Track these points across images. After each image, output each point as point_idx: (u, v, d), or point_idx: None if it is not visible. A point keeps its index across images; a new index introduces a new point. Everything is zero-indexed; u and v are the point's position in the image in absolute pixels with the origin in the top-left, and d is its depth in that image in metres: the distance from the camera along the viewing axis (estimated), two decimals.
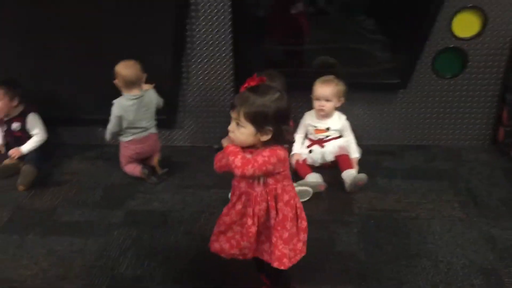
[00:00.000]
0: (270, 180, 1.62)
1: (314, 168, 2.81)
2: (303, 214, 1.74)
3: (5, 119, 2.87)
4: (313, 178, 2.68)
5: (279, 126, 1.56)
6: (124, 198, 2.65)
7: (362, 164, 2.84)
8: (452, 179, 2.75)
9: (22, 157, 2.86)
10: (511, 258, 2.15)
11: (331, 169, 2.82)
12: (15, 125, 2.88)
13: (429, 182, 2.73)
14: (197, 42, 2.85)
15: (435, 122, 3.05)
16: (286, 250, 1.67)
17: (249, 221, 1.67)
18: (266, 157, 1.55)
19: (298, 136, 2.88)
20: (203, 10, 2.75)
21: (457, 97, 2.96)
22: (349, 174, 2.66)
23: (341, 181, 2.69)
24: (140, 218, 2.48)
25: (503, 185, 2.69)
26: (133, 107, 2.71)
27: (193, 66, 2.91)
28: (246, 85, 1.58)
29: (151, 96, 2.80)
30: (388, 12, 2.95)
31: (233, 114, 1.56)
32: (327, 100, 2.76)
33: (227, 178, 1.76)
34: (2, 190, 2.73)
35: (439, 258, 2.17)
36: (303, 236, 1.73)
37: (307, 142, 2.89)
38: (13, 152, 2.83)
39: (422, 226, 2.38)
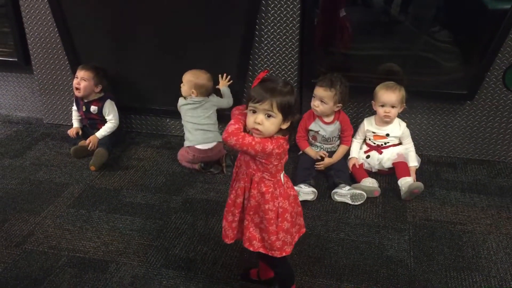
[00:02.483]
0: (253, 165, 1.68)
1: (370, 174, 2.81)
2: (286, 216, 1.73)
3: (85, 100, 3.10)
4: (369, 182, 2.69)
5: (295, 114, 1.66)
6: (184, 186, 2.78)
7: (421, 174, 2.81)
8: None
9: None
10: None
11: (388, 176, 2.82)
12: (93, 108, 3.11)
13: (490, 197, 2.66)
14: (265, 42, 2.93)
15: (502, 138, 2.95)
16: (257, 233, 1.74)
17: (232, 195, 1.76)
18: (253, 141, 1.60)
19: (356, 141, 2.89)
20: (273, 11, 2.83)
21: None
22: (406, 182, 2.64)
23: (397, 189, 2.68)
24: (197, 205, 2.61)
25: None
26: (186, 107, 2.91)
27: (259, 65, 3.00)
28: (258, 78, 1.62)
29: (212, 101, 2.96)
30: (462, 23, 2.89)
31: (264, 106, 1.58)
32: (393, 107, 2.75)
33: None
34: (76, 168, 2.96)
35: (492, 274, 2.12)
36: (283, 236, 1.73)
37: (365, 148, 2.90)
38: (91, 140, 3.04)
39: (478, 240, 2.32)
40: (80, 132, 3.18)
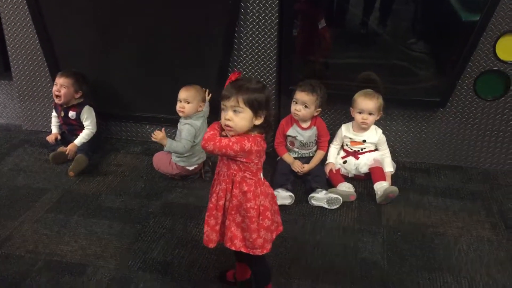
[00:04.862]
0: (234, 166, 1.72)
1: (347, 179, 2.87)
2: (267, 214, 1.77)
3: (64, 106, 3.11)
4: (345, 187, 2.74)
5: (268, 111, 1.71)
6: (163, 191, 2.80)
7: (396, 179, 2.88)
8: (486, 201, 2.73)
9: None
10: None
11: (364, 181, 2.88)
12: (71, 113, 3.11)
13: (462, 201, 2.73)
14: (243, 50, 2.98)
15: (473, 144, 3.04)
16: (239, 233, 1.78)
17: (213, 198, 1.79)
18: (230, 142, 1.66)
19: (334, 147, 2.95)
20: (251, 19, 2.88)
21: (497, 120, 2.94)
22: (381, 186, 2.70)
23: (372, 193, 2.74)
24: (176, 210, 2.63)
25: None
26: (204, 125, 2.88)
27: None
28: (230, 79, 1.70)
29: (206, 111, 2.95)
30: (436, 34, 2.98)
31: (231, 103, 1.66)
32: (370, 114, 2.82)
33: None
34: (55, 174, 2.96)
35: (462, 274, 2.18)
36: (264, 233, 1.77)
37: (342, 153, 2.96)
38: (70, 148, 3.03)
39: (449, 242, 2.39)
40: (59, 138, 3.18)
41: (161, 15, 2.96)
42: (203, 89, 2.91)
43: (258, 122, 1.69)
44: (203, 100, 2.87)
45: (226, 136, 1.71)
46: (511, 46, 2.75)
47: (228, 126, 1.68)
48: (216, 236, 1.83)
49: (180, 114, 2.83)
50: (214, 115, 2.96)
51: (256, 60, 3.00)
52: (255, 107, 1.67)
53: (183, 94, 2.80)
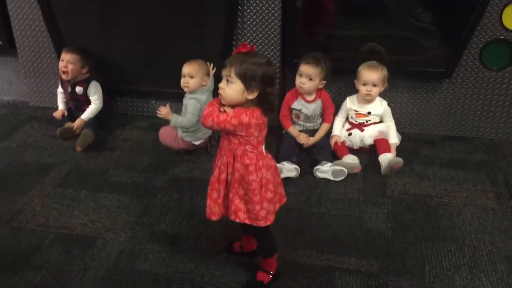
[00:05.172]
0: (234, 140, 1.74)
1: (352, 151, 2.88)
2: (269, 186, 1.80)
3: (71, 81, 3.13)
4: (350, 159, 2.76)
5: (265, 88, 1.70)
6: (170, 165, 2.84)
7: (401, 151, 2.88)
8: (490, 171, 2.74)
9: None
10: None
11: (369, 153, 2.89)
12: (78, 89, 3.13)
13: (466, 172, 2.74)
14: (247, 23, 2.97)
15: (479, 114, 3.03)
16: (242, 205, 1.80)
17: (215, 172, 1.82)
18: (228, 116, 1.67)
19: (339, 119, 2.96)
20: None
21: (503, 89, 2.92)
22: (386, 157, 2.72)
23: (377, 165, 2.76)
24: (182, 183, 2.66)
25: None
26: (209, 98, 2.87)
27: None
28: (237, 50, 1.70)
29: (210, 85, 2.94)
30: (442, 3, 2.95)
31: (225, 72, 1.68)
32: (374, 85, 2.81)
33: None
34: (63, 150, 3.00)
35: (465, 243, 2.21)
36: (267, 205, 1.80)
37: (347, 126, 2.96)
38: (77, 123, 3.07)
39: (453, 212, 2.41)
40: (66, 114, 3.21)
41: None
42: (207, 63, 2.90)
43: (250, 96, 1.69)
44: (207, 74, 2.87)
45: (225, 111, 1.72)
46: None
47: (220, 94, 1.71)
48: (218, 209, 1.86)
49: (185, 89, 2.84)
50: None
51: (260, 33, 2.98)
52: (246, 80, 1.67)
53: (186, 69, 2.81)
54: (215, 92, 2.85)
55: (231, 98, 1.69)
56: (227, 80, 1.69)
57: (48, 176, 2.73)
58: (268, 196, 1.80)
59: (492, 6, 2.71)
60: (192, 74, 2.80)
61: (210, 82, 2.92)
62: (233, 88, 1.68)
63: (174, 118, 2.77)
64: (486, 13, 2.73)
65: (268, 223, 1.83)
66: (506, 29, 2.76)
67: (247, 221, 1.82)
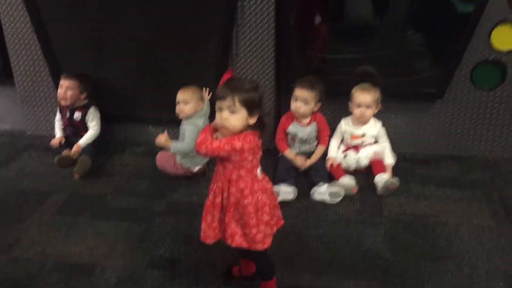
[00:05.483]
0: (229, 165, 1.76)
1: (348, 172, 2.90)
2: (266, 209, 1.81)
3: (70, 107, 3.16)
4: (346, 180, 2.78)
5: (262, 110, 1.75)
6: (167, 190, 2.85)
7: (396, 171, 2.90)
8: (486, 189, 2.76)
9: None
10: None
11: (365, 174, 2.91)
12: (77, 115, 3.17)
13: (462, 190, 2.76)
14: (242, 49, 3.02)
15: (472, 133, 3.07)
16: (239, 229, 1.82)
17: (210, 195, 1.84)
18: (221, 143, 1.70)
19: (334, 141, 2.99)
20: (249, 18, 2.92)
21: (495, 109, 2.97)
22: (382, 178, 2.74)
23: (374, 186, 2.77)
24: (181, 208, 2.67)
25: None
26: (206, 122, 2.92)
27: (237, 71, 3.08)
28: (224, 79, 1.75)
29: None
30: (433, 26, 3.02)
31: (226, 103, 1.68)
32: (368, 107, 2.85)
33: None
34: (60, 177, 3.01)
35: (464, 262, 2.21)
36: (264, 228, 1.81)
37: (343, 147, 2.99)
38: (75, 149, 3.08)
39: (450, 231, 2.42)
40: (63, 142, 3.22)
41: (161, 15, 2.99)
42: (202, 88, 2.94)
43: (252, 121, 1.73)
44: (202, 99, 2.91)
45: (218, 137, 1.75)
46: (505, 35, 2.78)
47: (223, 126, 1.72)
48: (213, 233, 1.88)
49: (181, 116, 2.88)
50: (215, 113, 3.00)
51: (254, 57, 3.03)
52: (250, 107, 1.70)
53: (180, 95, 2.85)
54: (212, 117, 2.90)
55: (235, 127, 1.71)
56: (231, 111, 1.69)
57: (46, 203, 2.73)
58: (265, 218, 1.81)
59: (481, 28, 2.77)
60: (186, 100, 2.84)
61: (205, 107, 2.95)
62: (237, 117, 1.70)
63: (173, 145, 2.80)
64: (475, 35, 2.79)
65: (266, 246, 1.84)
66: (495, 50, 2.82)
67: (244, 245, 1.83)
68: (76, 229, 2.52)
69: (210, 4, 2.89)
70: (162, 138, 2.76)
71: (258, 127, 1.75)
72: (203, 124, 2.86)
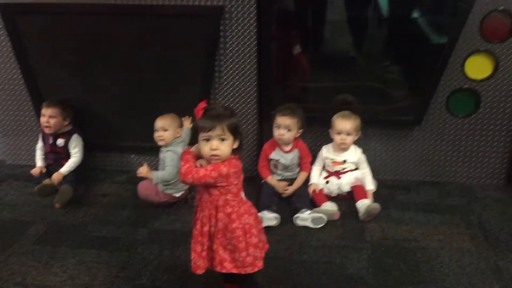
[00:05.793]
0: (214, 191, 1.79)
1: (330, 199, 2.93)
2: (253, 231, 1.84)
3: (53, 134, 3.14)
4: (328, 206, 2.81)
5: (241, 134, 1.81)
6: (150, 218, 2.83)
7: (377, 197, 2.95)
8: (465, 214, 2.82)
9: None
10: None
11: (347, 200, 2.94)
12: (60, 141, 3.15)
13: (441, 215, 2.81)
14: (224, 77, 3.07)
15: (449, 160, 3.15)
16: (227, 255, 1.83)
17: (197, 225, 1.85)
18: (207, 171, 1.73)
19: (316, 168, 3.03)
20: (231, 47, 2.99)
21: (471, 135, 3.06)
22: (363, 203, 2.78)
23: (355, 211, 2.81)
24: (163, 236, 2.65)
25: None
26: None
27: (220, 100, 3.13)
28: (201, 108, 1.79)
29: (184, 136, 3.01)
30: (409, 56, 3.12)
31: (216, 132, 1.73)
32: (348, 134, 2.91)
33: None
34: (41, 207, 2.97)
35: (445, 285, 2.24)
36: (253, 251, 1.84)
37: (325, 174, 3.03)
38: (56, 177, 3.06)
39: (431, 255, 2.45)
40: (44, 171, 3.20)
41: (144, 43, 3.03)
42: (180, 116, 2.99)
43: (236, 145, 1.78)
44: (180, 126, 2.94)
45: (201, 165, 1.77)
46: (479, 65, 2.90)
47: (215, 155, 1.74)
48: (203, 262, 1.87)
49: (160, 143, 2.89)
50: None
51: (237, 86, 3.09)
52: (234, 132, 1.76)
53: (159, 122, 2.88)
54: (191, 144, 2.92)
55: (227, 153, 1.76)
56: (222, 139, 1.73)
57: (26, 233, 2.68)
58: (253, 241, 1.82)
59: (455, 58, 2.89)
60: (165, 127, 2.87)
61: (184, 134, 2.98)
62: (228, 144, 1.75)
63: (155, 175, 2.81)
64: (450, 64, 2.90)
65: (256, 269, 1.85)
66: (469, 79, 2.93)
67: (234, 271, 1.83)
68: (57, 258, 2.47)
69: (193, 33, 2.95)
70: (143, 170, 2.77)
71: (238, 150, 1.79)
72: (182, 151, 2.87)
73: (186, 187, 2.93)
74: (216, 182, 1.75)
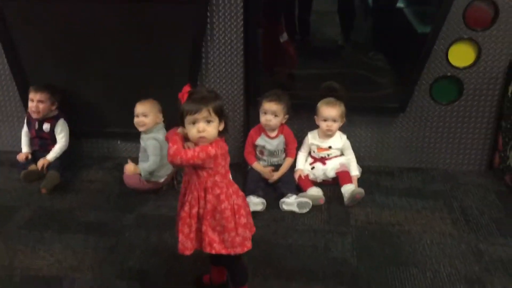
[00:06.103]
0: (203, 173, 1.80)
1: (316, 184, 2.97)
2: (242, 211, 1.87)
3: (40, 119, 3.13)
4: (314, 191, 2.85)
5: (226, 116, 1.83)
6: (136, 204, 2.84)
7: (361, 183, 3.00)
8: (447, 199, 2.88)
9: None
10: (496, 270, 2.28)
11: (332, 185, 2.98)
12: (46, 126, 3.13)
13: (424, 200, 2.87)
14: (211, 64, 3.08)
15: (433, 146, 3.20)
16: (216, 236, 1.84)
17: (185, 207, 1.86)
18: (196, 152, 1.74)
19: (301, 154, 3.06)
20: (218, 34, 2.99)
21: (453, 122, 3.12)
22: (348, 188, 2.82)
23: (340, 196, 2.85)
24: (150, 221, 2.67)
25: (495, 206, 2.81)
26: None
27: (207, 86, 3.13)
28: (186, 92, 1.78)
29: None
30: (394, 45, 3.16)
31: (203, 114, 1.73)
32: (334, 121, 2.95)
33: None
34: (27, 192, 2.96)
35: (427, 267, 2.30)
36: (242, 231, 1.86)
37: (310, 160, 3.07)
38: (42, 162, 3.06)
39: (414, 238, 2.51)
40: (30, 157, 3.18)
41: (131, 30, 3.02)
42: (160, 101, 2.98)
43: (221, 127, 1.80)
44: (160, 111, 2.95)
45: (189, 147, 1.79)
46: (461, 53, 2.94)
47: (202, 137, 1.76)
48: (191, 244, 1.89)
49: (141, 129, 2.90)
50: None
51: (223, 73, 3.10)
52: (220, 114, 1.77)
53: (139, 108, 2.88)
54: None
55: (214, 135, 1.77)
56: (208, 121, 1.75)
57: (12, 219, 2.68)
58: (242, 221, 1.85)
59: (439, 46, 2.93)
60: (145, 113, 2.87)
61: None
62: (214, 126, 1.76)
63: (142, 170, 2.83)
64: (433, 53, 2.94)
65: (245, 249, 1.88)
66: (452, 66, 2.98)
67: (223, 251, 1.86)
68: (44, 243, 2.48)
69: (180, 20, 2.95)
70: (130, 168, 2.79)
71: (224, 132, 1.81)
72: (164, 137, 2.89)
73: (168, 171, 2.95)
74: (204, 163, 1.77)
